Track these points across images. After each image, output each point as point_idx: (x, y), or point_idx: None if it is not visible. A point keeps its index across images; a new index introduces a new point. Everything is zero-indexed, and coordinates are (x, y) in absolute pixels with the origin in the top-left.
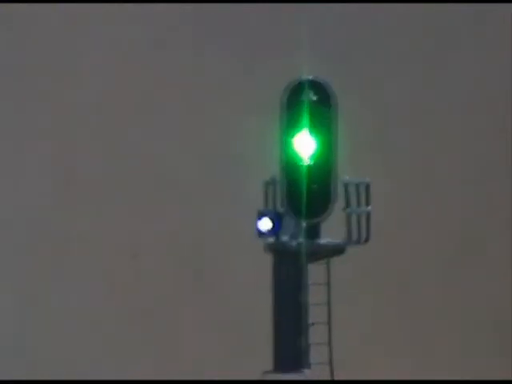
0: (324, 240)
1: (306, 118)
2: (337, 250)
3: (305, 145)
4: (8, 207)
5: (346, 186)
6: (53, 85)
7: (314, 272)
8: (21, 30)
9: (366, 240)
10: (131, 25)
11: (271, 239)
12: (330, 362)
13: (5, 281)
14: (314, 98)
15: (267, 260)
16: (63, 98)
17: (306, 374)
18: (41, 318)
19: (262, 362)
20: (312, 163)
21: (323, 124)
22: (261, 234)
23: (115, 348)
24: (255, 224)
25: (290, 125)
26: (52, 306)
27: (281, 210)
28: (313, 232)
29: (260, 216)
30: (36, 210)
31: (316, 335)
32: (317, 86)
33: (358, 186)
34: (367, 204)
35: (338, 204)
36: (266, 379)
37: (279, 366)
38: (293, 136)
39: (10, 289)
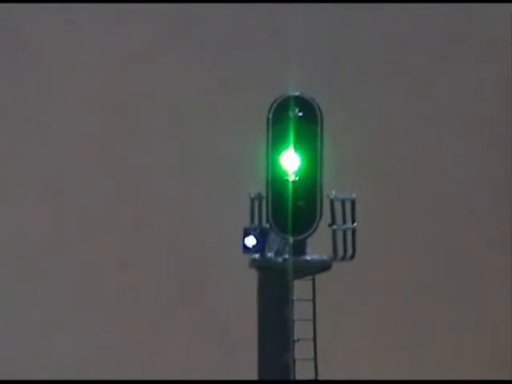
0: (310, 256)
1: (291, 135)
2: (323, 267)
3: (290, 161)
4: None
5: (331, 201)
6: (41, 97)
7: (299, 288)
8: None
9: (352, 256)
10: (117, 37)
11: (256, 255)
12: (316, 378)
13: None
14: (300, 114)
15: (254, 276)
16: (53, 109)
17: None
18: (25, 329)
19: (248, 377)
20: (298, 179)
21: (309, 140)
22: (246, 249)
23: (101, 360)
24: (241, 240)
25: (276, 141)
26: (37, 317)
27: (266, 226)
28: (299, 248)
29: (245, 232)
30: (22, 222)
31: (301, 351)
32: (303, 102)
33: (343, 201)
34: (353, 220)
35: (324, 220)
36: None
37: (264, 381)
38: (278, 152)
39: None
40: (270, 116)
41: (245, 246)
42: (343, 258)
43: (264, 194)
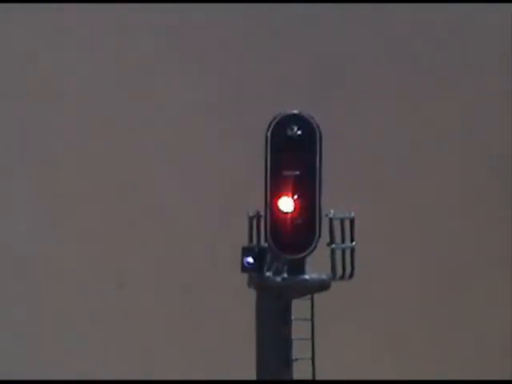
0: (308, 275)
1: (290, 153)
2: (321, 286)
3: (289, 179)
4: None
5: (330, 220)
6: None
7: (297, 307)
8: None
9: (351, 276)
10: (117, 50)
11: (255, 274)
12: None
13: None
14: (299, 132)
15: (251, 295)
16: (51, 119)
17: None
18: (23, 347)
19: None
20: (296, 198)
21: (308, 158)
22: (245, 268)
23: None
24: (240, 259)
25: (274, 160)
26: (36, 333)
27: (265, 245)
28: (297, 267)
29: (244, 251)
30: (17, 236)
31: (300, 370)
32: (302, 120)
33: (342, 220)
34: (352, 239)
35: (323, 239)
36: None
37: (263, 381)
38: (276, 171)
39: None
40: (269, 134)
41: (243, 265)
42: (342, 277)
43: (262, 212)
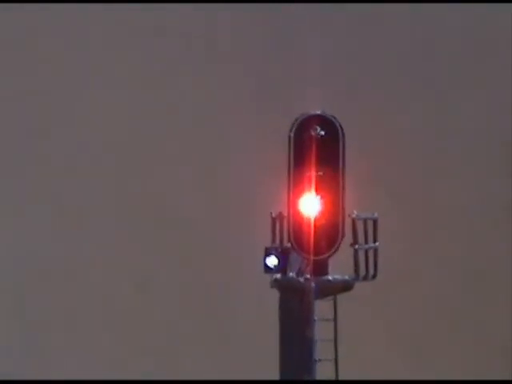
0: (331, 276)
1: (313, 153)
2: (345, 287)
3: (312, 180)
4: (10, 237)
5: (353, 221)
6: (53, 122)
7: (321, 308)
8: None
9: (374, 276)
10: (132, 61)
11: (278, 275)
12: None
13: (9, 310)
14: (322, 132)
15: (274, 296)
16: (65, 134)
17: None
18: (41, 347)
19: None
20: (319, 198)
21: (331, 158)
22: (267, 269)
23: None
24: (262, 260)
25: (298, 159)
26: (54, 334)
27: (288, 245)
28: (320, 268)
29: (267, 252)
30: (37, 242)
31: (323, 371)
32: (324, 121)
33: (365, 221)
34: (375, 240)
35: (346, 239)
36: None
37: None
38: (300, 171)
39: (12, 318)
40: (292, 134)
41: (266, 266)
42: (365, 278)
43: (285, 213)
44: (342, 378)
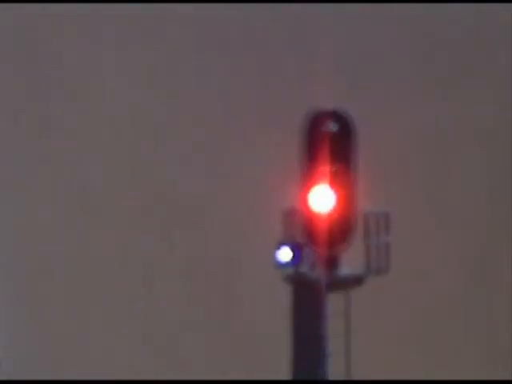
0: (343, 270)
1: (326, 148)
2: (356, 281)
3: (325, 174)
4: (21, 233)
5: (365, 216)
6: (64, 111)
7: (333, 302)
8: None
9: (386, 271)
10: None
11: (291, 270)
12: None
13: (21, 306)
14: (334, 128)
15: (286, 290)
16: (76, 125)
17: None
18: (52, 343)
19: None
20: (332, 194)
21: (343, 154)
22: (280, 264)
23: (127, 375)
24: (275, 255)
25: (311, 154)
26: (64, 330)
27: (300, 240)
28: (332, 262)
29: (279, 247)
30: (48, 239)
31: (334, 364)
32: (337, 116)
33: (377, 216)
34: (387, 235)
35: (358, 234)
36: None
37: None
38: (313, 166)
39: (24, 316)
40: (305, 130)
41: (278, 261)
42: (377, 273)
43: (298, 208)
44: (353, 371)
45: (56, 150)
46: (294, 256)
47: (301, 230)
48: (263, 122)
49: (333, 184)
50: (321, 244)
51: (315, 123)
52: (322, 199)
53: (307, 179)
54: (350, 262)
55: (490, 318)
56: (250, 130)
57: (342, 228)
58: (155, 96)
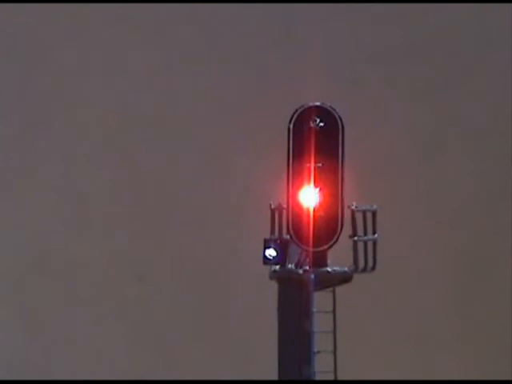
0: (331, 268)
1: (313, 144)
2: (344, 278)
3: (311, 171)
4: (12, 230)
5: (352, 212)
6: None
7: (320, 300)
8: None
9: (373, 268)
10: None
11: (277, 267)
12: None
13: (13, 306)
14: (321, 124)
15: (273, 287)
16: (72, 121)
17: None
18: (45, 342)
19: None
20: (319, 190)
21: (330, 150)
22: (266, 261)
23: (119, 372)
24: (261, 251)
25: (297, 151)
26: (58, 329)
27: (287, 237)
28: (319, 259)
29: (266, 243)
30: (40, 234)
31: (321, 363)
32: (324, 112)
33: (365, 212)
34: (374, 231)
35: (345, 231)
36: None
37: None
38: (299, 162)
39: (16, 314)
40: (291, 126)
41: (265, 258)
42: (364, 270)
43: (284, 204)
44: (340, 369)
45: (53, 149)
46: (279, 253)
47: (287, 227)
48: (249, 118)
49: (319, 180)
50: (307, 241)
51: (302, 119)
52: (309, 196)
53: (294, 176)
54: (338, 259)
55: (479, 316)
56: (235, 127)
57: (328, 225)
58: (147, 95)
